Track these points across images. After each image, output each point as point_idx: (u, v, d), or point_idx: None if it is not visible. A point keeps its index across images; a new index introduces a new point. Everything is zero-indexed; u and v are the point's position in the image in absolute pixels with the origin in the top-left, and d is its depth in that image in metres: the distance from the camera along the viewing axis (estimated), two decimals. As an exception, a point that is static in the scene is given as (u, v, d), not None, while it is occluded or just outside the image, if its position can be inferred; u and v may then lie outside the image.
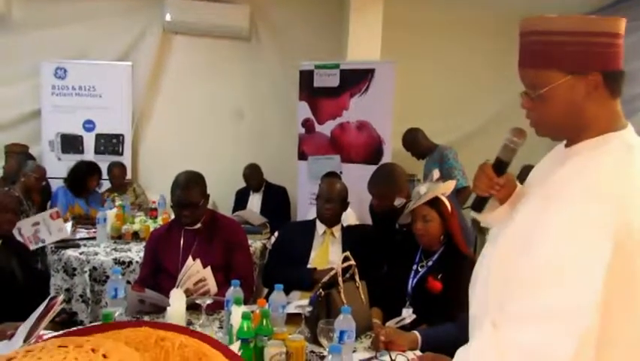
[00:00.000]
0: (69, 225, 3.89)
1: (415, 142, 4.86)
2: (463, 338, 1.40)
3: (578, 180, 1.03)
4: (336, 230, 2.97)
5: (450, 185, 2.56)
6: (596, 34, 1.05)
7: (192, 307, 2.21)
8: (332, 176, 4.16)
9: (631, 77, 4.57)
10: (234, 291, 2.08)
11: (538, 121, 1.15)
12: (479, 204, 1.37)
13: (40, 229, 3.56)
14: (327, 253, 2.88)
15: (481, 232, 4.53)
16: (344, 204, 3.03)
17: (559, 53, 1.07)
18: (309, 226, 3.02)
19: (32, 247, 3.53)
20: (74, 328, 1.00)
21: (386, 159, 4.61)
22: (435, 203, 2.43)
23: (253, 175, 5.22)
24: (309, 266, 2.85)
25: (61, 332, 1.99)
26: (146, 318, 2.28)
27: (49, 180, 4.87)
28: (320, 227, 2.97)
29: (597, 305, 0.93)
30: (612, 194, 0.98)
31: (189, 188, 2.64)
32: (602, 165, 1.03)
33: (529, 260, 1.01)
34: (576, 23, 1.06)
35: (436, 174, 2.55)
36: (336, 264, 2.76)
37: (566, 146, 1.17)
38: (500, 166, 1.30)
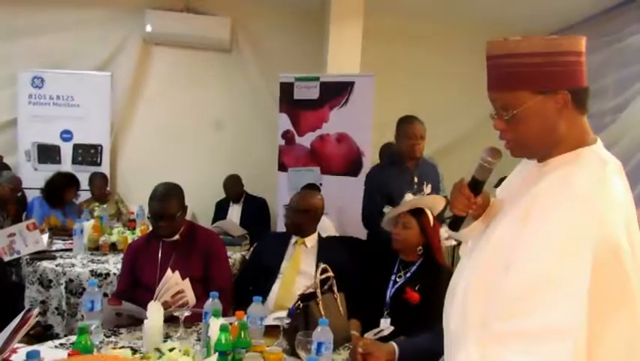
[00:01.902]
0: (46, 236, 3.83)
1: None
2: (439, 349, 1.42)
3: (555, 196, 1.05)
4: (309, 240, 2.94)
5: (437, 201, 2.59)
6: (561, 54, 1.09)
7: (170, 320, 2.20)
8: (311, 188, 4.18)
9: (600, 93, 4.70)
10: (213, 303, 2.08)
11: (514, 142, 1.18)
12: (456, 223, 1.39)
13: (15, 240, 3.49)
14: (298, 263, 2.86)
15: (459, 244, 4.57)
16: (312, 215, 2.98)
17: (527, 74, 1.10)
18: (285, 236, 3.01)
19: (7, 258, 3.46)
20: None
21: (365, 171, 4.63)
22: (417, 213, 2.48)
23: (233, 186, 5.21)
24: (279, 276, 2.84)
25: (37, 345, 1.97)
26: (123, 331, 2.26)
27: (24, 190, 4.80)
28: (294, 238, 2.97)
29: (584, 324, 0.94)
30: (589, 208, 1.00)
31: (166, 200, 2.62)
32: (579, 179, 1.05)
33: (512, 278, 1.02)
34: (540, 44, 1.10)
35: (428, 188, 2.58)
36: (309, 274, 2.78)
37: (539, 161, 1.19)
38: (477, 186, 1.33)
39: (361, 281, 2.71)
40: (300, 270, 2.85)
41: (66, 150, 5.46)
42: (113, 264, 3.44)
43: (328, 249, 2.92)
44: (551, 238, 1.00)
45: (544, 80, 1.10)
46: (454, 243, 3.09)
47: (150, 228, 3.13)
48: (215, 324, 1.87)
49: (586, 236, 0.97)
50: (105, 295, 2.96)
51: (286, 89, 4.90)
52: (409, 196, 2.59)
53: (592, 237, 0.97)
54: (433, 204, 2.57)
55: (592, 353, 0.96)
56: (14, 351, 1.78)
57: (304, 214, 2.95)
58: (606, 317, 0.98)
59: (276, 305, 2.59)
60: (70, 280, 3.24)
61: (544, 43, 1.10)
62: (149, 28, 5.45)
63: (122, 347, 2.03)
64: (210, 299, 2.10)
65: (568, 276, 0.97)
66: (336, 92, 4.73)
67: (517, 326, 0.98)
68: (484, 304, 1.08)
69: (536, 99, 1.10)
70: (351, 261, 2.82)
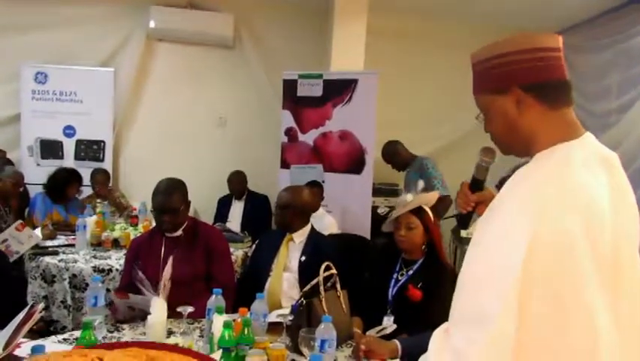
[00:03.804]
0: (38, 230, 3.83)
1: (395, 154, 4.91)
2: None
3: (512, 191, 1.07)
4: (298, 236, 2.92)
5: (434, 196, 2.60)
6: (508, 54, 1.12)
7: (173, 316, 2.20)
8: (313, 185, 4.18)
9: (605, 93, 4.69)
10: (216, 300, 2.08)
11: (495, 141, 1.23)
12: (462, 221, 1.45)
13: (10, 244, 3.47)
14: (285, 260, 2.86)
15: (461, 243, 4.58)
16: (296, 211, 2.94)
17: (482, 77, 1.18)
18: (281, 234, 3.00)
19: (10, 260, 3.46)
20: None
21: (368, 168, 4.65)
22: (419, 212, 2.48)
23: (238, 182, 5.22)
24: (270, 274, 2.84)
25: (40, 340, 1.98)
26: (126, 326, 2.26)
27: (27, 185, 4.80)
28: (288, 234, 2.96)
29: (507, 313, 0.96)
30: (535, 202, 1.00)
31: (170, 193, 2.64)
32: (535, 175, 1.06)
33: (465, 267, 1.07)
34: (490, 50, 1.15)
35: (420, 184, 2.60)
36: (294, 270, 2.81)
37: None
38: (475, 184, 1.40)
39: (362, 278, 2.71)
40: (286, 266, 2.85)
41: (69, 146, 5.46)
42: (116, 260, 3.44)
43: (314, 245, 2.89)
44: (493, 235, 1.03)
45: (495, 81, 1.15)
46: None
47: (153, 224, 3.14)
48: (218, 320, 1.87)
49: (522, 233, 0.98)
50: (108, 290, 2.97)
51: (289, 86, 4.90)
52: (408, 196, 2.58)
53: (531, 233, 0.97)
54: (430, 200, 2.58)
55: (541, 350, 0.98)
56: (18, 346, 1.78)
57: (287, 210, 2.93)
58: (555, 314, 0.98)
59: (268, 303, 2.57)
60: (74, 276, 3.25)
61: (493, 47, 1.15)
62: (152, 25, 5.45)
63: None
64: (213, 296, 2.11)
65: (494, 270, 0.99)
66: (340, 89, 4.72)
67: (458, 312, 1.04)
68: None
69: (494, 100, 1.16)
70: (344, 257, 2.79)
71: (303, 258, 2.82)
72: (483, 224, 1.08)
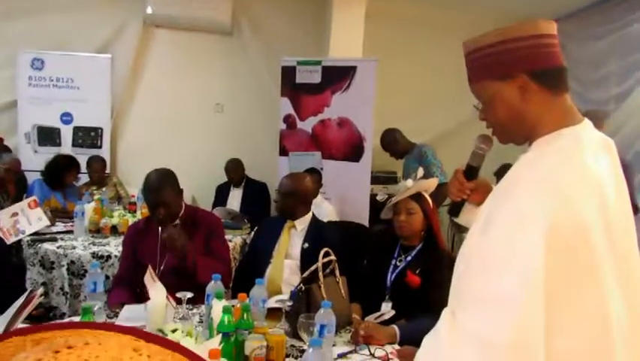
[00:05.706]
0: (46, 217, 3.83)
1: (394, 142, 4.91)
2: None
3: (524, 175, 1.07)
4: (300, 223, 2.92)
5: (433, 183, 2.60)
6: (514, 40, 1.12)
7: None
8: (312, 172, 4.17)
9: (603, 81, 4.67)
10: (215, 285, 2.09)
11: (493, 129, 1.22)
12: (455, 208, 1.45)
13: (19, 220, 3.48)
14: (286, 247, 2.86)
15: (459, 230, 4.59)
16: (299, 198, 2.93)
17: (484, 64, 1.16)
18: (281, 221, 3.00)
19: (12, 239, 3.45)
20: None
21: (367, 156, 4.65)
22: (418, 198, 2.48)
23: (235, 169, 5.22)
24: (271, 261, 2.85)
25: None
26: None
27: (24, 172, 4.79)
28: (289, 222, 2.97)
29: (531, 292, 0.94)
30: (552, 186, 1.00)
31: (160, 189, 2.60)
32: (547, 158, 1.07)
33: (477, 251, 1.06)
34: (493, 35, 1.14)
35: (420, 172, 2.60)
36: (296, 257, 2.82)
37: (529, 146, 1.21)
38: (470, 171, 1.39)
39: (361, 265, 2.72)
40: (287, 253, 2.85)
41: (66, 133, 5.43)
42: (114, 246, 3.44)
43: (316, 232, 2.89)
44: (511, 217, 1.02)
45: (499, 67, 1.14)
46: None
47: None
48: (217, 306, 1.88)
49: (542, 215, 0.97)
50: (107, 277, 2.97)
51: (288, 73, 4.88)
52: (409, 182, 2.59)
53: (550, 216, 0.97)
54: (429, 186, 2.58)
55: (555, 334, 0.97)
56: (17, 331, 1.78)
57: (290, 197, 2.92)
58: (570, 300, 0.99)
59: (268, 290, 2.57)
60: (72, 262, 3.25)
61: (496, 33, 1.14)
62: (149, 10, 5.40)
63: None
64: (212, 281, 2.11)
65: (515, 251, 0.98)
66: (338, 76, 4.71)
67: (472, 293, 1.02)
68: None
69: (496, 86, 1.15)
70: (345, 245, 2.80)
71: (306, 245, 2.83)
72: (493, 206, 1.07)
